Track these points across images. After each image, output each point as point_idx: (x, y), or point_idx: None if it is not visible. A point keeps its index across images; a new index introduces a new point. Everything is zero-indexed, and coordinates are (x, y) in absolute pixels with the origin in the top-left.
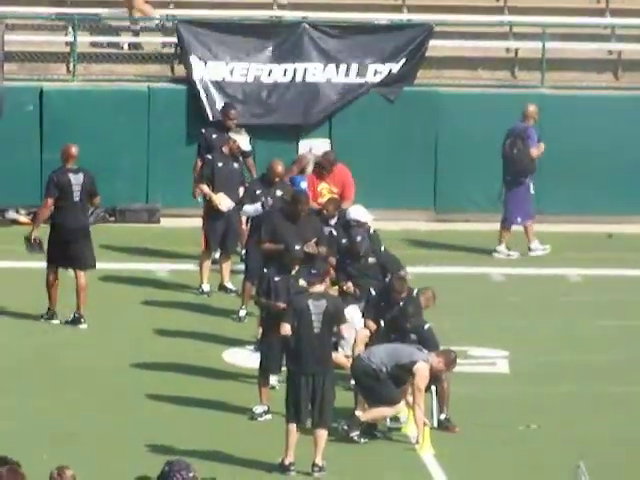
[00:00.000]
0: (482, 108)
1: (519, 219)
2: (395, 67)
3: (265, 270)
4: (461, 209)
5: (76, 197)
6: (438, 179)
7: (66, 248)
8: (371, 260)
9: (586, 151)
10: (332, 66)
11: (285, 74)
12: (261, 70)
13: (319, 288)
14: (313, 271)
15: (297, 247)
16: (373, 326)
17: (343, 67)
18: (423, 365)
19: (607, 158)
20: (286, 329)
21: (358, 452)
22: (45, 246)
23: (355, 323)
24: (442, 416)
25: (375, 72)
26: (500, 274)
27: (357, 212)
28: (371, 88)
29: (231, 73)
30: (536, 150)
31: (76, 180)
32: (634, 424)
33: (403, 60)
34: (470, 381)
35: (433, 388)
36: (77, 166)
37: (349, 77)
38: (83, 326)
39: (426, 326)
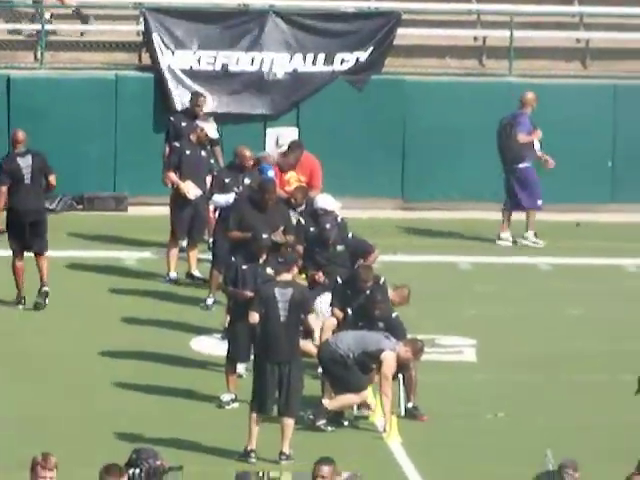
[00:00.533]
0: (450, 96)
1: (539, 202)
2: (363, 55)
3: (232, 258)
4: (429, 198)
5: (27, 180)
6: (406, 168)
7: (21, 231)
8: (340, 248)
9: (553, 139)
10: (299, 55)
11: (252, 63)
12: (228, 59)
13: (286, 276)
14: (280, 259)
15: (265, 235)
16: (340, 314)
17: (310, 56)
18: (390, 354)
19: (574, 146)
20: (254, 317)
21: (325, 440)
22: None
23: (325, 313)
24: (409, 404)
25: (342, 61)
26: (468, 263)
27: (324, 201)
28: (339, 76)
29: (198, 62)
30: (525, 136)
31: (25, 163)
32: (601, 412)
33: (371, 48)
34: (437, 369)
35: (400, 376)
36: (26, 149)
37: (316, 66)
38: (45, 288)
39: (394, 314)
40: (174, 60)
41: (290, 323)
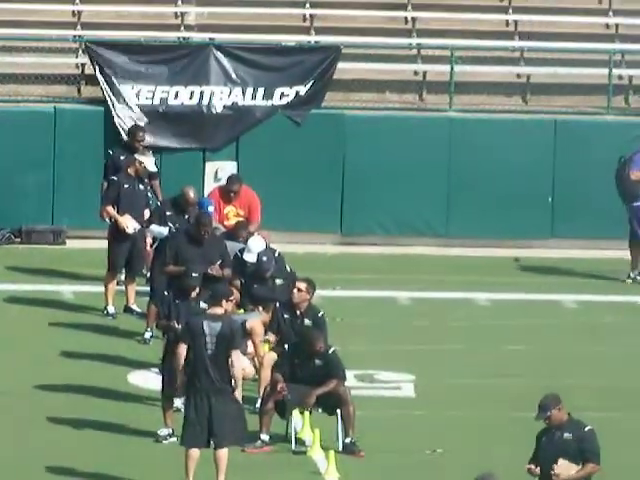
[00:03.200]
0: (390, 131)
1: None
2: (302, 89)
3: (166, 293)
4: (368, 232)
5: None
6: (345, 202)
7: None
8: (279, 282)
9: (493, 174)
10: (238, 89)
11: (192, 97)
12: (167, 93)
13: (217, 310)
14: (209, 293)
15: (196, 274)
16: (273, 337)
17: (250, 90)
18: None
19: (515, 181)
20: (181, 348)
21: (263, 476)
22: None
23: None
24: (347, 440)
25: (282, 95)
26: (407, 298)
27: (249, 255)
28: (278, 110)
29: (137, 96)
30: (637, 173)
31: None
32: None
33: (310, 82)
34: (376, 405)
35: (338, 412)
36: None
37: (255, 100)
38: None
39: (331, 350)
40: (113, 93)
41: (218, 356)
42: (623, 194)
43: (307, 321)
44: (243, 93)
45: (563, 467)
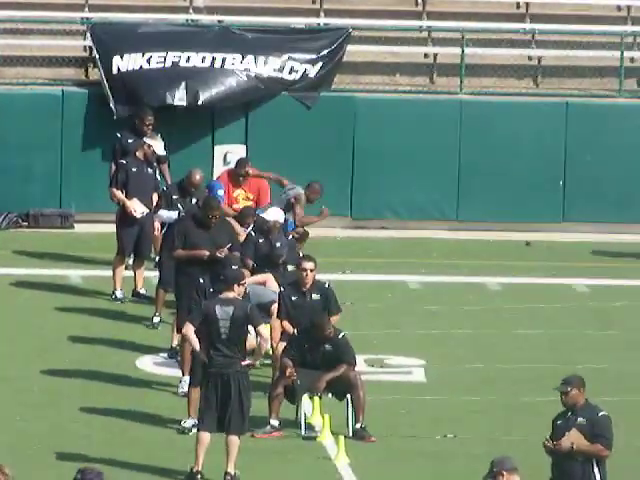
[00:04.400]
0: (400, 114)
1: None
2: (312, 71)
3: (202, 280)
4: (378, 216)
5: None
6: (355, 186)
7: None
8: (291, 268)
9: (504, 158)
10: (250, 57)
11: (203, 61)
12: (179, 57)
13: (229, 294)
14: (221, 277)
15: (236, 265)
16: (287, 326)
17: (261, 60)
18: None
19: (526, 165)
20: (188, 328)
21: (273, 461)
22: None
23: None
24: (358, 425)
25: (291, 69)
26: (417, 282)
27: (270, 214)
28: (287, 90)
29: (148, 62)
30: None
31: None
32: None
33: (320, 64)
34: (386, 390)
35: (348, 397)
36: None
37: (266, 71)
38: None
39: (341, 335)
40: (124, 64)
41: (231, 340)
42: None
43: (315, 296)
44: (255, 61)
45: (573, 436)
